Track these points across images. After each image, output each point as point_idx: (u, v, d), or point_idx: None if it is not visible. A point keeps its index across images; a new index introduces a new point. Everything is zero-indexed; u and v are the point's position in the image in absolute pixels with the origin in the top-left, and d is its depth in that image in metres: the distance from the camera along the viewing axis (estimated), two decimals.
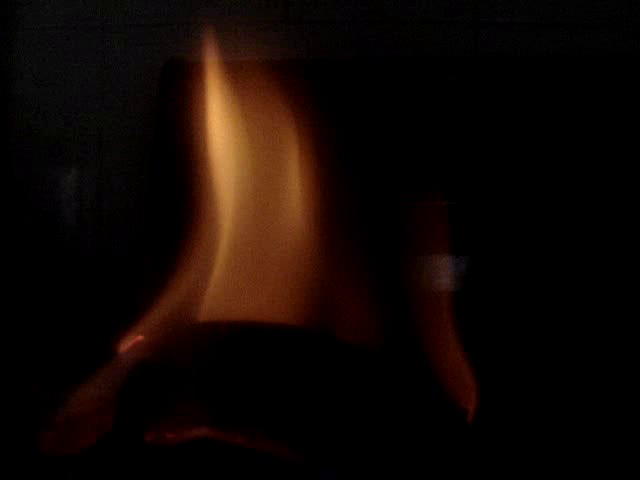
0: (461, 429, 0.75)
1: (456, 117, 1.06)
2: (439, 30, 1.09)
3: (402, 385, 0.76)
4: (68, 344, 0.98)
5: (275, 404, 0.75)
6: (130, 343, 0.76)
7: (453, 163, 1.05)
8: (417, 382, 0.77)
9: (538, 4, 1.06)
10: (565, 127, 1.03)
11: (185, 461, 0.73)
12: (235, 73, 1.12)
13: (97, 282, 1.11)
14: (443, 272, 0.94)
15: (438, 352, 0.79)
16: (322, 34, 1.11)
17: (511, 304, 0.99)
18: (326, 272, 0.80)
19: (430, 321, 0.82)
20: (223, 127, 1.03)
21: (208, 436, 0.74)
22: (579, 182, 1.02)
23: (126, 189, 1.13)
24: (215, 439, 0.74)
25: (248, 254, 0.80)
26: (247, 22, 1.11)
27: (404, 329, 0.80)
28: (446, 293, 0.91)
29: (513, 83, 1.06)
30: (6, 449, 0.73)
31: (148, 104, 1.12)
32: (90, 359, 0.76)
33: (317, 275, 0.79)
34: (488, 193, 1.04)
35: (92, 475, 0.72)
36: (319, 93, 1.10)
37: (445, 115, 1.07)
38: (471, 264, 0.99)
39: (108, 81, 1.13)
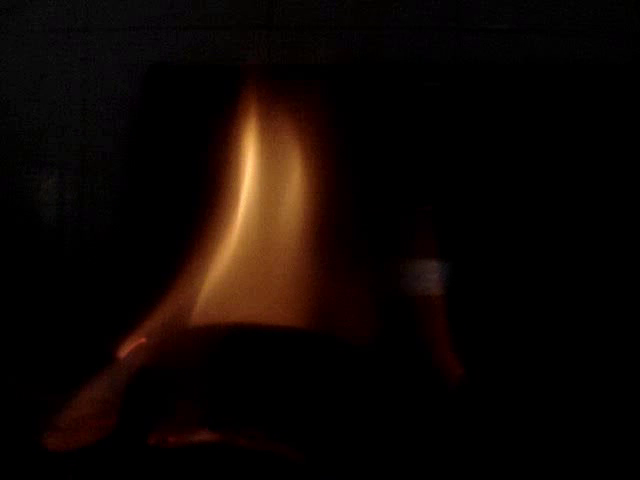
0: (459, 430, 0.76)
1: (439, 123, 1.07)
2: (423, 36, 1.10)
3: (401, 386, 0.77)
4: (53, 346, 0.97)
5: (275, 405, 0.75)
6: (131, 346, 0.76)
7: (437, 169, 1.06)
8: (414, 382, 0.78)
9: (521, 11, 1.07)
10: (549, 132, 1.05)
11: (187, 463, 0.73)
12: (218, 77, 1.13)
13: (78, 284, 1.11)
14: (437, 275, 0.95)
15: (431, 349, 0.81)
16: (306, 39, 1.11)
17: (500, 304, 1.00)
18: (325, 276, 0.80)
19: (423, 321, 0.83)
20: (212, 131, 1.04)
21: (210, 439, 0.74)
22: (561, 185, 1.04)
23: (108, 194, 1.13)
24: (216, 441, 0.74)
25: (249, 259, 0.81)
26: (231, 26, 1.12)
27: (400, 329, 0.81)
28: (438, 294, 0.91)
29: (496, 89, 1.07)
30: (10, 447, 0.72)
31: (131, 108, 1.12)
32: (88, 362, 0.76)
33: (317, 279, 0.80)
34: (472, 198, 1.05)
35: (94, 476, 0.72)
36: (303, 98, 1.10)
37: (428, 121, 1.08)
38: (463, 267, 1.00)
39: (91, 85, 1.13)
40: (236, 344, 0.76)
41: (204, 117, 1.09)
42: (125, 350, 0.76)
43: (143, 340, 0.77)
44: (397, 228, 0.98)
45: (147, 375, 0.74)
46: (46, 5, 1.12)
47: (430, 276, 0.93)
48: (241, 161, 1.03)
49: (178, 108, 1.10)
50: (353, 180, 1.04)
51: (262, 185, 0.94)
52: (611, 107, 1.05)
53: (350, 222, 0.96)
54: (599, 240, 1.02)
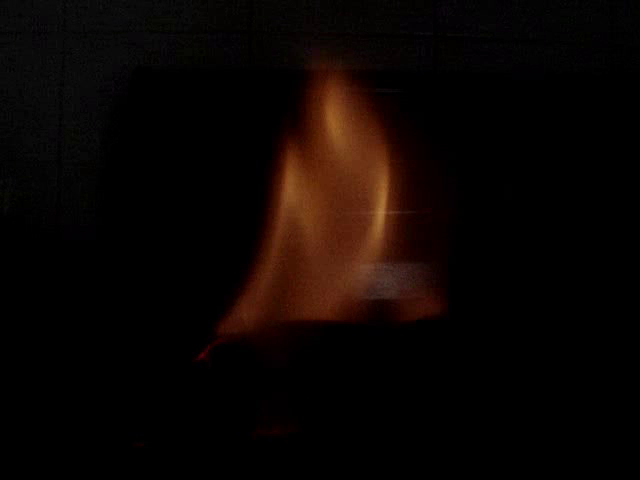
0: None
1: (416, 131, 1.11)
2: (398, 44, 1.13)
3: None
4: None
5: (356, 399, 0.76)
6: (212, 346, 0.76)
7: (406, 177, 1.09)
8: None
9: (498, 19, 1.13)
10: (523, 140, 1.10)
11: (273, 455, 0.73)
12: (202, 81, 1.12)
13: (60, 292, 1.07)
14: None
15: None
16: (289, 46, 1.12)
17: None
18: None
19: None
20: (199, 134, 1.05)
21: (294, 431, 0.75)
22: (534, 190, 1.09)
23: (86, 202, 1.10)
24: (301, 434, 0.75)
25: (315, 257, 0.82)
26: (213, 30, 1.11)
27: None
28: None
29: (472, 98, 1.12)
30: None
31: (108, 115, 1.10)
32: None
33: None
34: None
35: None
36: (284, 101, 1.11)
37: (404, 129, 1.11)
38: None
39: (68, 87, 1.09)
40: (319, 340, 0.77)
41: (189, 120, 1.09)
42: (206, 350, 0.76)
43: (223, 339, 0.76)
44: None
45: (231, 372, 0.74)
46: (20, 5, 1.08)
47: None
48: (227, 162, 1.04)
49: (163, 111, 1.08)
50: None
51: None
52: (585, 116, 1.11)
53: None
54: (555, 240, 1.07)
